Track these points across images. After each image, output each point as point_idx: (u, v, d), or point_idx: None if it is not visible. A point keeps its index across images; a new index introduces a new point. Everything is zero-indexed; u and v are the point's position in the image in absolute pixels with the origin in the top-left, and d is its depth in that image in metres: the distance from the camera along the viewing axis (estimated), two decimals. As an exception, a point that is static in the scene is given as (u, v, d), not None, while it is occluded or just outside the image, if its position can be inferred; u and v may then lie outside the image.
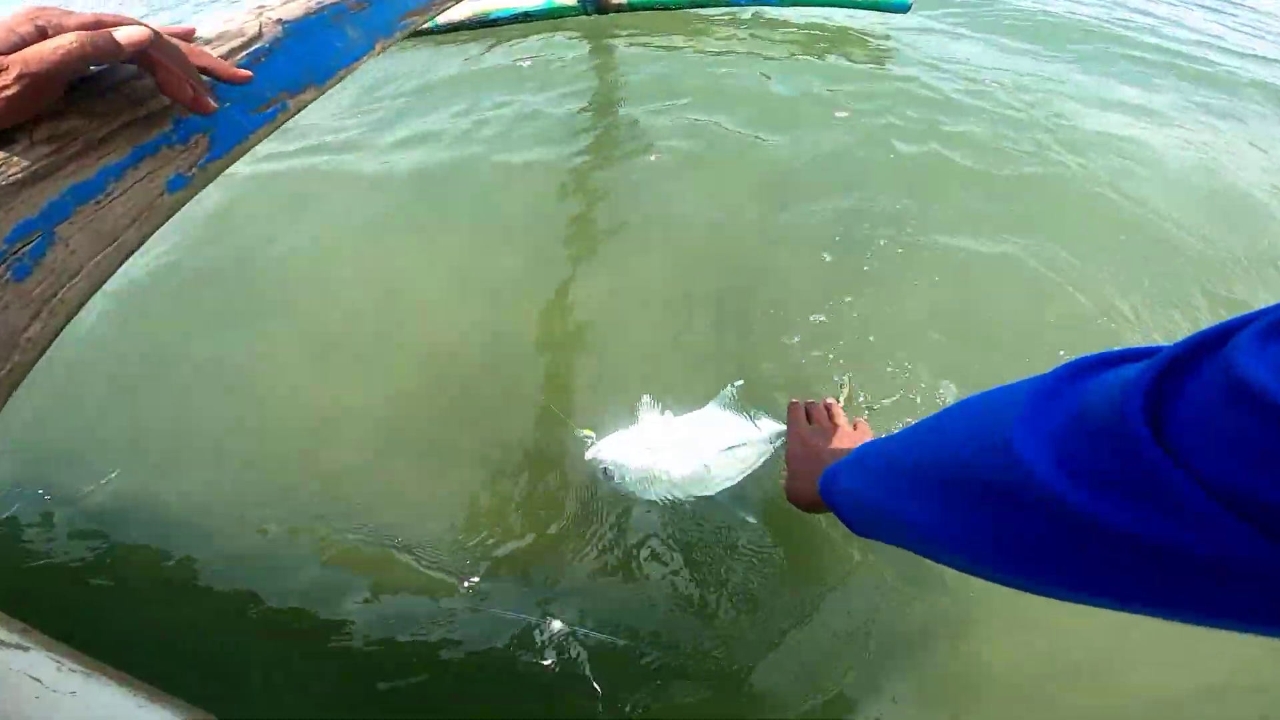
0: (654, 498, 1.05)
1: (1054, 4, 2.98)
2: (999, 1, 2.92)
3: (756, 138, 1.99)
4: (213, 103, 0.49)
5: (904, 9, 2.53)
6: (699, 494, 1.05)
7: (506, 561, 1.08)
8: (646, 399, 1.15)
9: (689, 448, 1.06)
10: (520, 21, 2.76)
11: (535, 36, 2.67)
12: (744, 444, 1.08)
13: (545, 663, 0.97)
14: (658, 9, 2.72)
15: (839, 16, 2.66)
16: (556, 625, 1.00)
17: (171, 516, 1.19)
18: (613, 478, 1.06)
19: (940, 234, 1.64)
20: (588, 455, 1.08)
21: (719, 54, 2.47)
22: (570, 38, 2.64)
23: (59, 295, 0.40)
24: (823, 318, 1.41)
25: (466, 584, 1.05)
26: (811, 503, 0.76)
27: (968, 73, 2.33)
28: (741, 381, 1.18)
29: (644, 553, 1.07)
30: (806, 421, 1.00)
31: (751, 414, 1.13)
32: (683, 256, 1.60)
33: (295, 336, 1.48)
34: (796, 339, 1.37)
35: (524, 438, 1.24)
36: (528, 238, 1.70)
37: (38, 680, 0.78)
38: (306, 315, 1.53)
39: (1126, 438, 0.28)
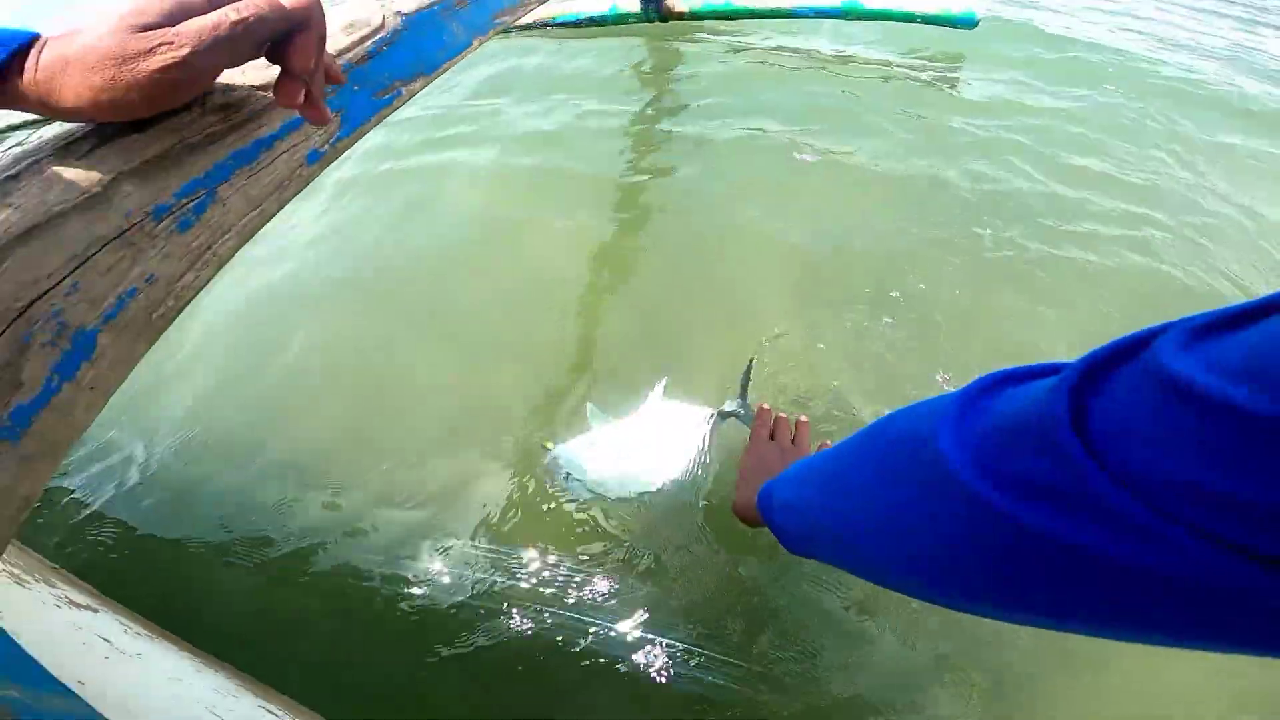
0: (610, 495, 1.09)
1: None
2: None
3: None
4: (328, 112, 0.47)
5: (971, 24, 2.52)
6: (648, 488, 1.10)
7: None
8: (590, 406, 1.19)
9: (636, 445, 1.12)
10: (582, 26, 2.82)
11: (598, 40, 2.72)
12: (686, 434, 1.14)
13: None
14: (720, 17, 2.75)
15: (905, 27, 2.64)
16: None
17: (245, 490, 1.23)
18: (569, 480, 1.11)
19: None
20: (545, 462, 1.14)
21: (786, 66, 2.49)
22: (633, 44, 2.69)
23: (212, 249, 0.43)
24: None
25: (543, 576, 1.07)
26: (752, 517, 0.75)
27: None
28: (666, 379, 1.23)
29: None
30: (769, 437, 0.99)
31: (693, 405, 1.19)
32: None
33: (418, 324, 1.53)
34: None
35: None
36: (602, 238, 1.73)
37: (107, 641, 0.82)
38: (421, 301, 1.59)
39: (1052, 440, 0.27)
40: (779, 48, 2.64)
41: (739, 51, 2.62)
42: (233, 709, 0.73)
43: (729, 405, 1.19)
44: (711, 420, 1.16)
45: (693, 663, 0.97)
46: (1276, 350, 0.21)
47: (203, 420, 1.36)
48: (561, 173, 1.96)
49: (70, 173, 0.40)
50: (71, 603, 0.85)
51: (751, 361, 1.23)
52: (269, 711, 0.77)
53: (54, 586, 0.90)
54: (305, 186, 0.51)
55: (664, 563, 1.06)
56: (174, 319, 0.43)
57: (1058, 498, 0.27)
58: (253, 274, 1.72)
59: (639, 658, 0.97)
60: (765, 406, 1.03)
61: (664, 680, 0.95)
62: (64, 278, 0.36)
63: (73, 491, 1.25)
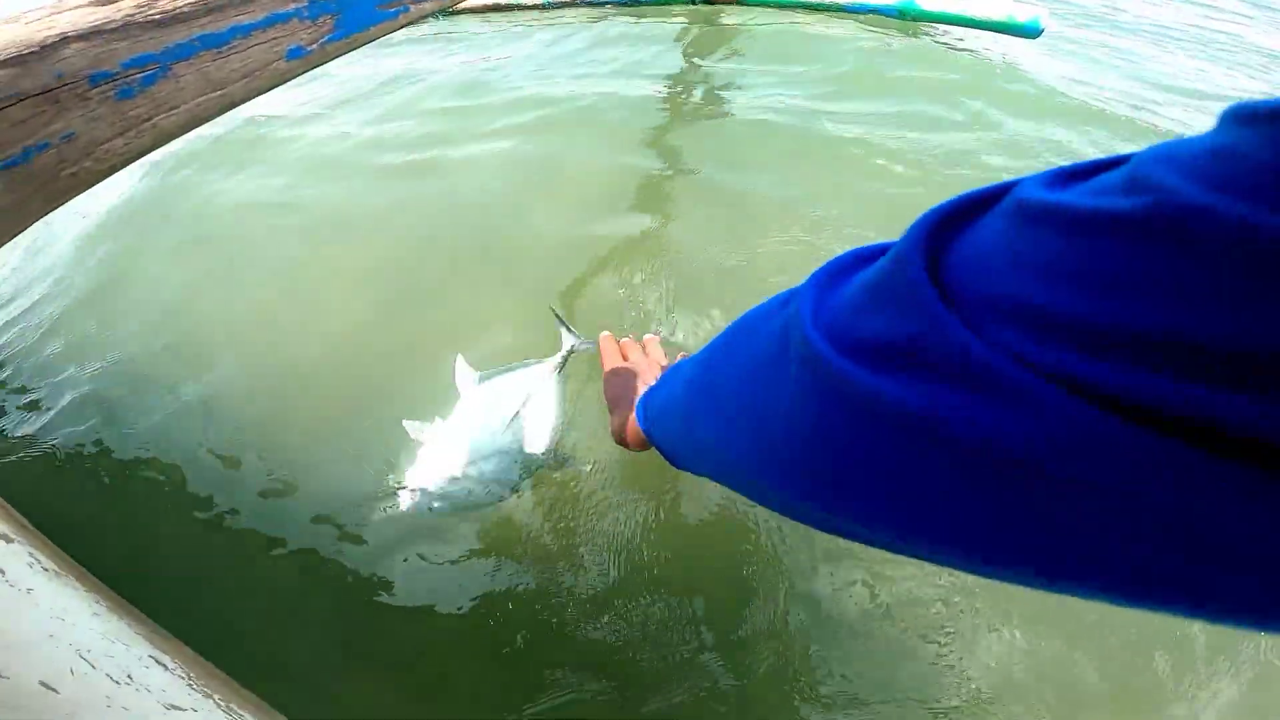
0: (485, 500, 1.00)
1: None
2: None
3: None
4: None
5: (1035, 34, 2.48)
6: (522, 472, 1.01)
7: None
8: (411, 423, 1.07)
9: (478, 437, 1.01)
10: (629, 5, 2.89)
11: (643, 21, 2.81)
12: (530, 397, 1.04)
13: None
14: (767, 7, 2.79)
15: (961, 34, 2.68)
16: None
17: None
18: (433, 505, 0.99)
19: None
20: (403, 505, 1.01)
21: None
22: (678, 23, 2.78)
23: (153, 120, 0.41)
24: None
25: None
26: (636, 438, 0.70)
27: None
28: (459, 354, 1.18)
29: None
30: (622, 359, 0.95)
31: (524, 363, 1.13)
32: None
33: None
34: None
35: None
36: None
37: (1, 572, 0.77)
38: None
39: (904, 286, 0.24)
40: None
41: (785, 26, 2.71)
42: (111, 655, 0.67)
43: (567, 345, 1.16)
44: (557, 367, 1.11)
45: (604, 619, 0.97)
46: (1152, 167, 0.18)
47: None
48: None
49: (16, 30, 0.38)
50: None
51: (554, 309, 1.25)
52: (158, 663, 0.71)
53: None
54: (283, 82, 0.50)
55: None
56: (93, 183, 0.40)
57: (912, 358, 0.23)
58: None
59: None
60: (607, 334, 1.01)
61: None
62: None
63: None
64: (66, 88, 0.39)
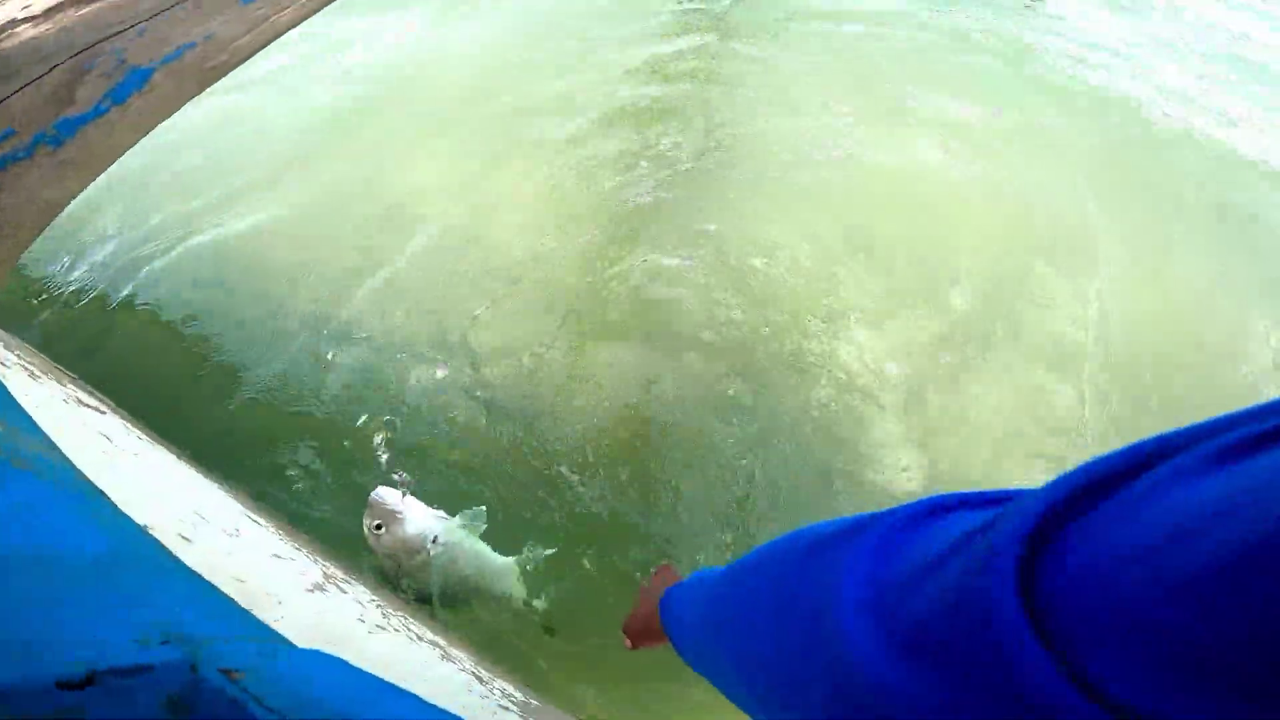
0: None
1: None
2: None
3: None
4: None
5: None
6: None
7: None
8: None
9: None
10: None
11: None
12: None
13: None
14: None
15: None
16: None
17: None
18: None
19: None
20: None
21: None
22: None
23: (270, 19, 0.45)
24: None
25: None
26: (646, 625, 0.61)
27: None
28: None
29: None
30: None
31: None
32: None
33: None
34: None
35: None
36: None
37: (108, 439, 0.85)
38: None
39: (991, 630, 0.19)
40: None
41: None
42: (217, 514, 0.76)
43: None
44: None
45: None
46: None
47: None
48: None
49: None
50: (80, 402, 0.88)
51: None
52: (254, 520, 0.81)
53: (64, 386, 0.94)
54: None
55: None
56: (227, 72, 0.45)
57: (973, 684, 0.20)
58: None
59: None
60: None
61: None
62: (135, 24, 0.39)
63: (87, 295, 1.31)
64: (207, -2, 0.43)
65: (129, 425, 0.89)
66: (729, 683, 0.39)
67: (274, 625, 0.65)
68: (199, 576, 0.42)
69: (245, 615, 0.43)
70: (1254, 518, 0.14)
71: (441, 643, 0.88)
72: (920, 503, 0.27)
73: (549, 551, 1.10)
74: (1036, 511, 0.19)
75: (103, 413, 0.87)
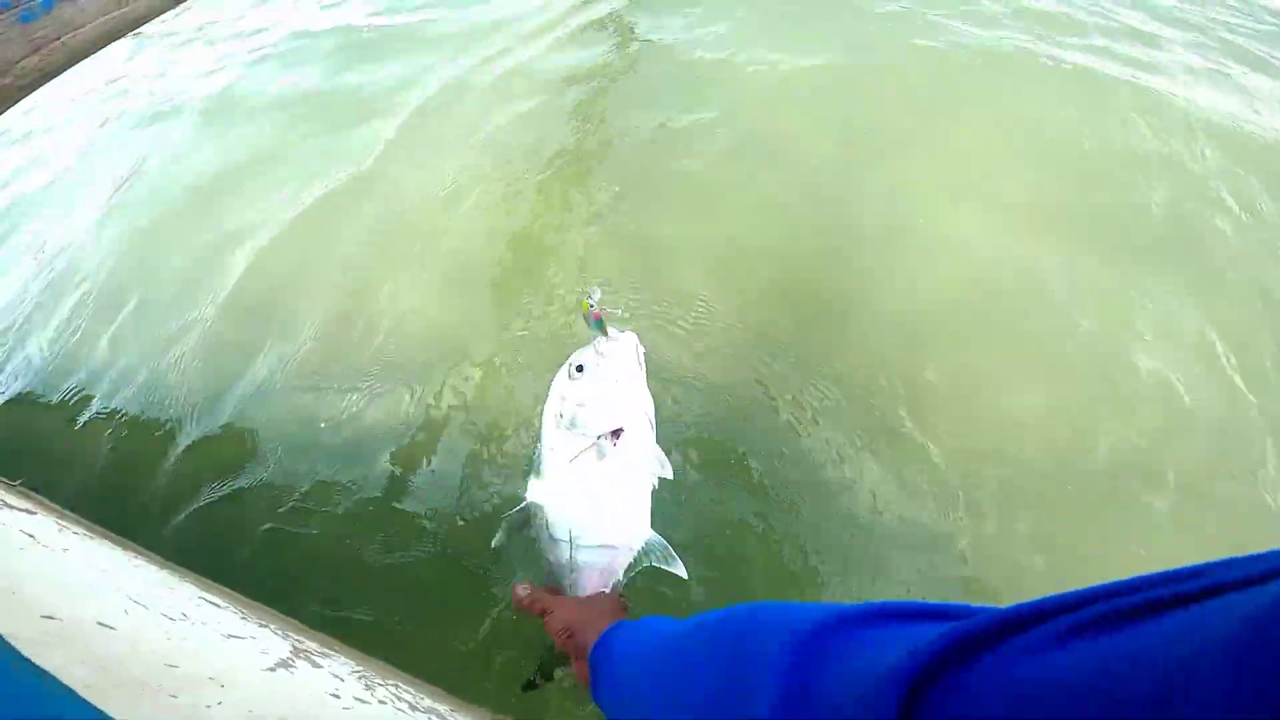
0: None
1: None
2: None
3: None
4: None
5: None
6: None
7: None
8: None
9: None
10: None
11: None
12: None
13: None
14: None
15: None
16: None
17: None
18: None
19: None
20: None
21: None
22: None
23: (61, 40, 0.42)
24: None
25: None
26: (583, 641, 0.59)
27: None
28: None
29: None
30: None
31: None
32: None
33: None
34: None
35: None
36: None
37: (30, 536, 0.81)
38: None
39: None
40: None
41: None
42: (161, 597, 0.71)
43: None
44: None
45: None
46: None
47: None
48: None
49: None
50: (7, 504, 0.85)
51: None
52: (209, 602, 0.76)
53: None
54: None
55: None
56: (17, 98, 0.42)
57: None
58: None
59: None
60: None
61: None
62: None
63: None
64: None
65: (62, 524, 0.85)
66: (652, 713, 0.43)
67: (207, 710, 0.59)
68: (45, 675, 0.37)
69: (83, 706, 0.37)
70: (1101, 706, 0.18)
71: (441, 710, 0.81)
72: (864, 607, 0.31)
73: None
74: (932, 652, 0.23)
75: (33, 513, 0.84)
